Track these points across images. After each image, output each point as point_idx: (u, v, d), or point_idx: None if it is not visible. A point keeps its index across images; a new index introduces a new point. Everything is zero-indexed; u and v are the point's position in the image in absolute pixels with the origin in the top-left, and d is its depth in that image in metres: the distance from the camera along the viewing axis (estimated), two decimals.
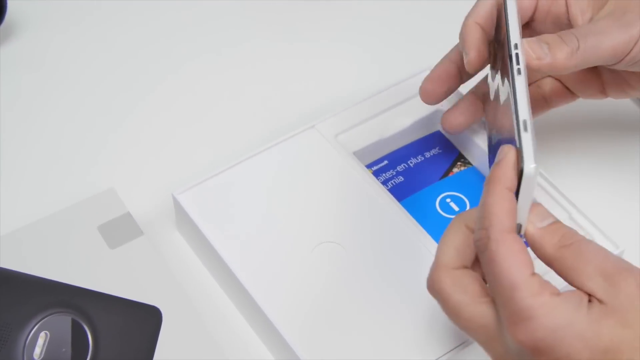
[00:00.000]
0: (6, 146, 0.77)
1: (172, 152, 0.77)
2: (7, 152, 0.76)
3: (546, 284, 0.53)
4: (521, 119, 0.56)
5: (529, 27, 0.67)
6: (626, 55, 0.62)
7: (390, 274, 0.65)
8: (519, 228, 0.56)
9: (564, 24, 0.65)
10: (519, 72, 0.58)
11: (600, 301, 0.52)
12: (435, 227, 0.69)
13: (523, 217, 0.55)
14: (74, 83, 0.81)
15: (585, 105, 0.75)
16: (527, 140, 0.55)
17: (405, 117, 0.74)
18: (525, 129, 0.55)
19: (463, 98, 0.71)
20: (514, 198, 0.54)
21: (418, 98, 0.71)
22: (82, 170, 0.76)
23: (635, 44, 0.62)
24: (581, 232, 0.67)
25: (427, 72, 0.76)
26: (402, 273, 0.65)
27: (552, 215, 0.56)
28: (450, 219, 0.69)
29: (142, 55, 0.83)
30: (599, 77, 0.68)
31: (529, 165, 0.54)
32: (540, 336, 0.52)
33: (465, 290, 0.55)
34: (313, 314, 0.64)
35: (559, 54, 0.62)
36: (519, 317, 0.52)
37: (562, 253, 0.54)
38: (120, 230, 0.68)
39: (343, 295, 0.64)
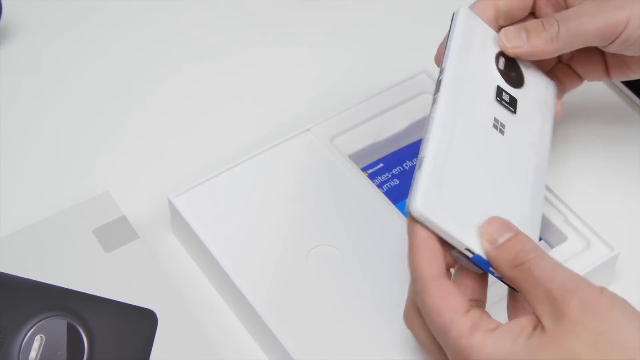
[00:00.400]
0: (2, 149, 0.77)
1: (167, 155, 0.77)
2: (3, 155, 0.76)
3: (481, 320, 0.53)
4: (420, 154, 0.57)
5: (532, 15, 0.67)
6: (616, 38, 0.63)
7: (385, 276, 0.65)
8: (461, 253, 0.55)
9: (563, 7, 0.66)
10: (434, 100, 0.60)
11: (543, 328, 0.52)
12: None
13: (460, 242, 0.55)
14: (69, 87, 0.81)
15: (581, 107, 0.75)
16: (418, 177, 0.55)
17: (401, 120, 0.74)
18: (420, 167, 0.56)
19: None
20: (433, 241, 0.54)
21: (414, 101, 0.72)
22: (78, 173, 0.76)
23: (625, 26, 0.62)
24: (576, 235, 0.67)
25: (422, 75, 0.77)
26: (397, 276, 0.65)
27: (512, 229, 0.55)
28: None
29: (138, 59, 0.83)
30: (603, 60, 0.69)
31: (414, 206, 0.54)
32: None
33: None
34: (308, 316, 0.64)
35: (536, 40, 0.63)
36: (455, 357, 0.53)
37: (515, 273, 0.54)
38: (116, 233, 0.68)
39: (338, 297, 0.64)
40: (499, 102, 0.63)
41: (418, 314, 0.56)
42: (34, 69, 0.82)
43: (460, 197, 0.57)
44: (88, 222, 0.68)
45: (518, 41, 0.63)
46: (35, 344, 0.58)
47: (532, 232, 0.58)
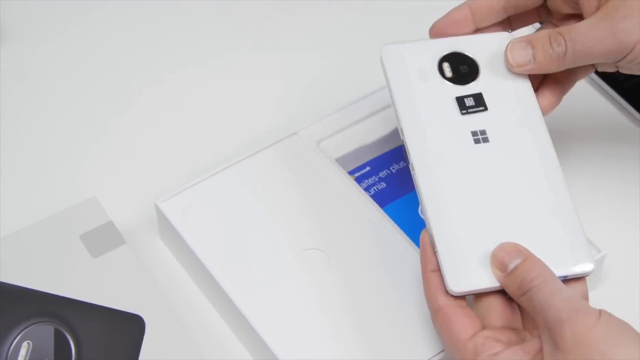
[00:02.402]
0: None
1: (154, 160, 0.77)
2: None
3: (483, 346, 0.54)
4: (429, 231, 0.59)
5: (543, 7, 0.67)
6: (622, 59, 0.62)
7: (372, 279, 0.65)
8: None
9: (575, 2, 0.65)
10: (411, 168, 0.61)
11: (542, 357, 0.53)
12: (417, 233, 0.68)
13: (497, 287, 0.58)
14: (55, 93, 0.81)
15: (569, 110, 0.76)
16: (439, 259, 0.58)
17: (387, 123, 0.74)
18: (435, 248, 0.58)
19: (456, 9, 0.67)
20: (437, 276, 0.58)
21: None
22: (65, 179, 0.75)
23: (632, 49, 0.62)
24: None
25: None
26: (384, 279, 0.65)
27: (521, 254, 0.56)
28: None
29: (124, 66, 0.83)
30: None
31: (451, 290, 0.57)
32: None
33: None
34: (295, 319, 0.64)
35: (542, 58, 0.63)
36: None
37: (522, 301, 0.56)
38: (103, 239, 0.67)
39: (325, 300, 0.64)
40: (467, 113, 0.62)
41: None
42: (20, 75, 0.82)
43: (482, 245, 0.58)
44: (75, 227, 0.68)
45: (523, 58, 0.63)
46: (23, 351, 0.58)
47: (568, 214, 0.60)
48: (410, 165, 0.61)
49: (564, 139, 0.76)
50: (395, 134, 0.74)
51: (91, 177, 0.75)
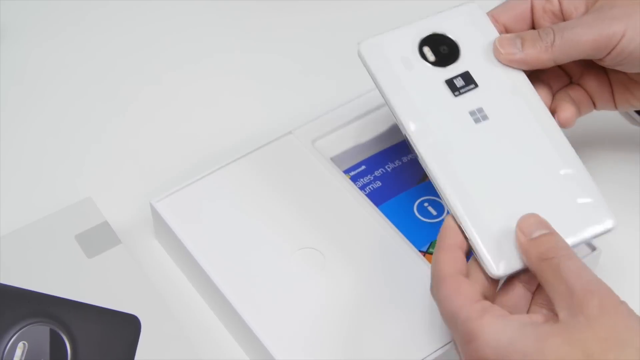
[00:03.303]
0: None
1: (149, 160, 0.77)
2: None
3: (491, 307, 0.55)
4: (459, 224, 0.59)
5: (531, 27, 0.67)
6: (611, 50, 0.63)
7: (368, 278, 0.65)
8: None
9: (561, 21, 0.66)
10: (421, 162, 0.61)
11: (557, 319, 0.53)
12: (413, 231, 0.69)
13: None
14: (50, 94, 0.81)
15: None
16: (475, 249, 0.58)
17: (382, 122, 0.74)
18: (470, 240, 0.59)
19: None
20: (456, 249, 0.58)
21: None
22: (59, 179, 0.75)
23: (621, 38, 0.62)
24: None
25: None
26: (380, 277, 0.65)
27: (548, 228, 0.57)
28: (428, 223, 0.70)
29: (119, 67, 0.83)
30: (609, 84, 0.68)
31: (493, 274, 0.58)
32: (485, 355, 0.53)
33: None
34: (292, 319, 0.64)
35: (531, 49, 0.63)
36: (464, 340, 0.55)
37: (543, 266, 0.56)
38: (98, 239, 0.67)
39: (321, 300, 0.64)
40: (459, 94, 0.63)
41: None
42: (15, 76, 0.82)
43: (510, 224, 0.58)
44: (70, 228, 0.68)
45: (512, 48, 0.63)
46: (18, 351, 0.58)
47: (580, 175, 0.61)
48: (419, 158, 0.61)
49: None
50: (391, 132, 0.74)
51: (86, 177, 0.75)
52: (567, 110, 0.65)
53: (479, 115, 0.62)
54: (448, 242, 0.59)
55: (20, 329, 0.58)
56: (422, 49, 0.64)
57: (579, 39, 0.62)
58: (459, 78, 0.63)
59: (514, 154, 0.61)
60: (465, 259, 0.58)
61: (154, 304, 0.64)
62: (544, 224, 0.58)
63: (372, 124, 0.74)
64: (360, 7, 0.87)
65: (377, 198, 0.71)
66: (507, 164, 0.61)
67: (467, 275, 0.58)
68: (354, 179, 0.73)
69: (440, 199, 0.63)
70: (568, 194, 0.60)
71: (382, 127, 0.74)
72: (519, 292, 0.58)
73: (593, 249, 0.67)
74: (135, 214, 0.72)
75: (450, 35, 0.64)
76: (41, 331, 0.58)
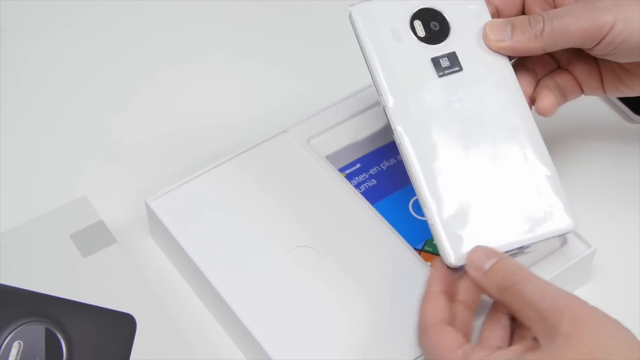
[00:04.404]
0: None
1: (144, 159, 0.77)
2: None
3: (473, 350, 0.55)
4: (420, 203, 0.61)
5: (523, 12, 0.67)
6: (601, 40, 0.62)
7: (363, 277, 0.65)
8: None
9: (552, 7, 0.66)
10: (396, 137, 0.61)
11: (539, 346, 0.53)
12: (408, 229, 0.69)
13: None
14: (46, 93, 0.81)
15: (561, 107, 0.76)
16: (435, 233, 0.60)
17: (377, 120, 0.74)
18: (429, 221, 0.60)
19: None
20: (439, 297, 0.58)
21: None
22: (54, 178, 0.75)
23: (610, 29, 0.62)
24: None
25: None
26: (376, 276, 0.65)
27: (496, 255, 0.57)
28: (423, 221, 0.69)
29: (114, 66, 0.83)
30: (598, 71, 0.68)
31: (449, 262, 0.59)
32: None
33: None
34: (287, 318, 0.64)
35: (520, 36, 0.63)
36: None
37: (505, 296, 0.56)
38: (93, 238, 0.67)
39: (317, 298, 0.64)
40: (443, 74, 0.63)
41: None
42: (12, 75, 0.82)
43: (478, 215, 0.59)
44: (65, 227, 0.68)
45: (502, 35, 0.63)
46: (14, 351, 0.58)
47: (547, 177, 0.61)
48: (393, 134, 0.61)
49: (555, 134, 0.77)
50: (386, 131, 0.74)
51: (81, 176, 0.75)
52: (546, 99, 0.65)
53: (457, 100, 0.62)
54: (432, 290, 0.59)
55: (15, 328, 0.58)
56: (413, 22, 0.64)
57: (568, 28, 0.62)
58: (445, 58, 0.63)
59: (485, 146, 0.61)
60: (448, 306, 0.58)
61: (149, 303, 0.64)
62: (491, 253, 0.58)
63: (367, 122, 0.74)
64: None
65: (372, 196, 0.71)
66: (477, 155, 0.61)
67: (450, 322, 0.58)
68: (349, 177, 0.73)
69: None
70: (533, 191, 0.61)
71: (377, 126, 0.74)
72: (503, 323, 0.58)
73: (588, 246, 0.67)
74: (131, 212, 0.72)
75: (443, 12, 0.64)
76: (36, 330, 0.58)
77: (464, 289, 0.59)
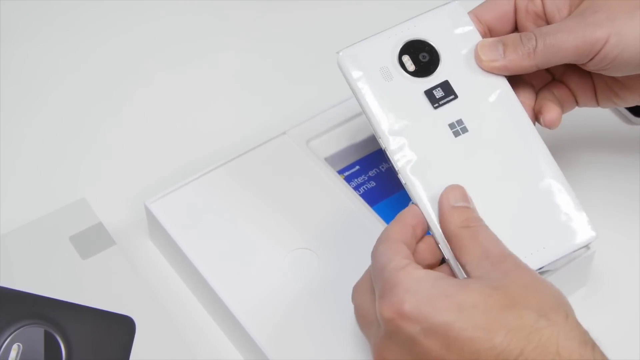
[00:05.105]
0: None
1: (143, 161, 0.77)
2: None
3: (414, 262, 0.56)
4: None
5: (515, 28, 0.67)
6: (594, 56, 0.62)
7: None
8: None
9: (544, 22, 0.65)
10: (399, 174, 0.60)
11: (471, 277, 0.55)
12: None
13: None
14: (45, 95, 0.81)
15: None
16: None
17: None
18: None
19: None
20: (408, 227, 0.58)
21: None
22: (53, 180, 0.75)
23: (604, 45, 0.61)
24: None
25: None
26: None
27: (469, 201, 0.59)
28: None
29: (113, 68, 0.83)
30: (591, 83, 0.68)
31: None
32: (403, 299, 0.53)
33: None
34: (285, 320, 0.64)
35: (513, 54, 0.62)
36: (385, 289, 0.54)
37: (460, 232, 0.57)
38: (92, 240, 0.67)
39: (315, 300, 0.64)
40: (439, 105, 0.61)
41: (369, 287, 0.58)
42: (11, 76, 0.82)
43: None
44: (64, 229, 0.68)
45: (494, 55, 0.62)
46: (13, 353, 0.58)
47: (562, 193, 0.61)
48: (398, 175, 0.60)
49: (554, 137, 0.76)
50: None
51: (80, 178, 0.75)
52: (552, 110, 0.65)
53: (458, 128, 0.61)
54: (405, 219, 0.59)
55: (14, 331, 0.58)
56: (401, 58, 0.62)
57: (561, 45, 0.62)
58: (439, 89, 0.62)
59: (493, 168, 0.61)
60: (414, 238, 0.58)
61: (148, 305, 0.64)
62: (466, 197, 0.59)
63: (366, 124, 0.74)
64: (355, 7, 0.87)
65: (371, 198, 0.72)
66: (486, 178, 0.60)
67: (412, 251, 0.58)
68: (348, 179, 0.73)
69: None
70: (547, 208, 0.60)
71: None
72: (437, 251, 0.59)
73: (587, 248, 0.67)
74: (130, 215, 0.72)
75: (430, 42, 0.63)
76: (35, 333, 0.58)
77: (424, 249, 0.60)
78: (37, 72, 0.83)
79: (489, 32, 0.65)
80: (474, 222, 0.57)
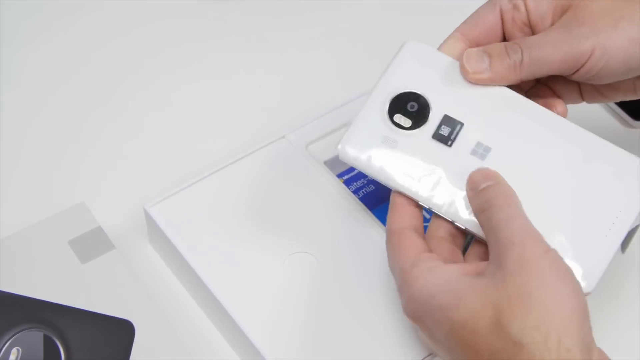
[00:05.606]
0: None
1: (142, 165, 0.77)
2: None
3: (421, 260, 0.56)
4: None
5: (502, 38, 0.66)
6: (580, 68, 0.61)
7: (361, 282, 0.65)
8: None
9: (529, 30, 0.65)
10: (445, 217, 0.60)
11: (482, 274, 0.54)
12: None
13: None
14: (43, 98, 0.81)
15: None
16: None
17: None
18: None
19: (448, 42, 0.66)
20: (405, 205, 0.59)
21: None
22: (53, 184, 0.75)
23: (589, 58, 0.61)
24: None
25: None
26: (373, 281, 0.65)
27: (494, 179, 0.57)
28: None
29: (112, 72, 0.83)
30: (578, 87, 0.67)
31: None
32: (411, 307, 0.56)
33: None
34: (285, 324, 0.64)
35: (499, 67, 0.61)
36: (401, 290, 0.57)
37: (480, 218, 0.57)
38: (92, 244, 0.67)
39: (315, 304, 0.64)
40: (452, 142, 0.60)
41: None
42: (10, 80, 0.82)
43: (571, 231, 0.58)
44: (63, 233, 0.68)
45: (480, 66, 0.61)
46: (12, 357, 0.58)
47: (610, 153, 0.59)
48: (451, 220, 0.59)
49: None
50: None
51: (80, 182, 0.75)
52: (559, 104, 0.64)
53: (481, 151, 0.60)
54: (399, 200, 0.59)
55: (13, 335, 0.58)
56: (393, 119, 0.61)
57: (547, 59, 0.61)
58: (443, 126, 0.60)
59: (534, 167, 0.59)
60: (415, 213, 0.59)
61: (147, 309, 0.64)
62: (491, 175, 0.58)
63: None
64: (355, 10, 0.87)
65: (370, 202, 0.71)
66: (533, 181, 0.59)
67: (416, 228, 0.58)
68: (347, 183, 0.73)
69: None
70: (603, 179, 0.59)
71: None
72: (459, 241, 0.59)
73: None
74: (129, 218, 0.72)
75: (410, 90, 0.61)
76: (35, 337, 0.58)
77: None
78: (37, 76, 0.83)
79: (472, 43, 0.64)
80: (489, 204, 0.56)
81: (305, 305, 0.64)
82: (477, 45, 0.64)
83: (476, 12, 0.65)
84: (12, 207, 0.74)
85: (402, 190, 0.59)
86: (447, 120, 0.61)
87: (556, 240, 0.55)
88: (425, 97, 0.61)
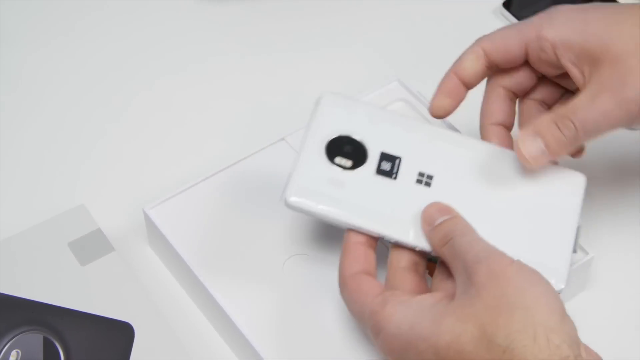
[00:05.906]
0: None
1: (142, 167, 0.77)
2: None
3: (392, 296, 0.56)
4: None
5: (527, 66, 0.65)
6: (631, 124, 0.62)
7: None
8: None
9: (560, 67, 0.63)
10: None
11: (453, 297, 0.54)
12: None
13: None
14: (45, 101, 0.81)
15: None
16: None
17: None
18: None
19: (445, 80, 0.65)
20: (358, 247, 0.59)
21: (387, 109, 0.72)
22: (52, 186, 0.75)
23: (636, 117, 0.61)
24: None
25: (395, 84, 0.77)
26: None
27: (450, 212, 0.58)
28: None
29: (111, 74, 0.83)
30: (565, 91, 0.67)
31: None
32: (391, 345, 0.55)
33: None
34: (285, 326, 0.64)
35: (555, 147, 0.60)
36: (373, 334, 0.56)
37: (444, 250, 0.57)
38: (91, 246, 0.67)
39: (314, 306, 0.64)
40: (396, 174, 0.61)
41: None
42: (10, 82, 0.82)
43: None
44: (63, 235, 0.68)
45: (536, 150, 0.60)
46: (12, 359, 0.58)
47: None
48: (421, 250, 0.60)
49: None
50: None
51: (79, 184, 0.75)
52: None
53: (425, 179, 0.61)
54: (352, 241, 0.59)
55: (13, 337, 0.58)
56: (335, 162, 0.61)
57: (599, 128, 0.61)
58: (383, 162, 0.61)
59: (477, 192, 0.61)
60: (368, 256, 0.59)
61: (147, 311, 0.64)
62: (445, 210, 0.58)
63: None
64: (354, 12, 0.87)
65: None
66: (479, 201, 0.60)
67: (370, 271, 0.58)
68: None
69: None
70: (540, 189, 0.62)
71: None
72: (421, 271, 0.59)
73: (586, 253, 0.67)
74: (129, 221, 0.72)
75: (342, 133, 0.62)
76: (34, 339, 0.58)
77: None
78: (36, 78, 0.83)
79: (486, 57, 0.64)
80: (450, 235, 0.57)
81: (304, 307, 0.64)
82: (496, 66, 0.64)
83: (501, 34, 0.64)
84: (11, 209, 0.74)
85: (358, 226, 0.60)
86: (385, 156, 0.62)
87: (513, 252, 0.56)
88: (358, 139, 0.62)
